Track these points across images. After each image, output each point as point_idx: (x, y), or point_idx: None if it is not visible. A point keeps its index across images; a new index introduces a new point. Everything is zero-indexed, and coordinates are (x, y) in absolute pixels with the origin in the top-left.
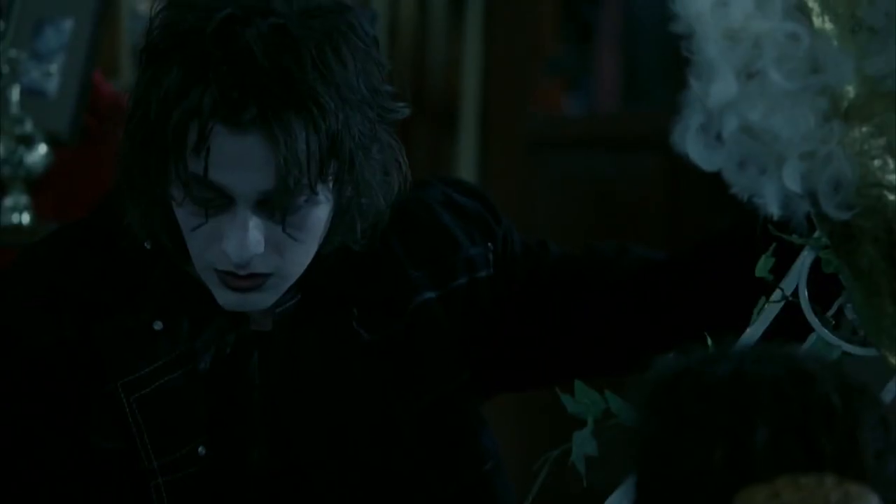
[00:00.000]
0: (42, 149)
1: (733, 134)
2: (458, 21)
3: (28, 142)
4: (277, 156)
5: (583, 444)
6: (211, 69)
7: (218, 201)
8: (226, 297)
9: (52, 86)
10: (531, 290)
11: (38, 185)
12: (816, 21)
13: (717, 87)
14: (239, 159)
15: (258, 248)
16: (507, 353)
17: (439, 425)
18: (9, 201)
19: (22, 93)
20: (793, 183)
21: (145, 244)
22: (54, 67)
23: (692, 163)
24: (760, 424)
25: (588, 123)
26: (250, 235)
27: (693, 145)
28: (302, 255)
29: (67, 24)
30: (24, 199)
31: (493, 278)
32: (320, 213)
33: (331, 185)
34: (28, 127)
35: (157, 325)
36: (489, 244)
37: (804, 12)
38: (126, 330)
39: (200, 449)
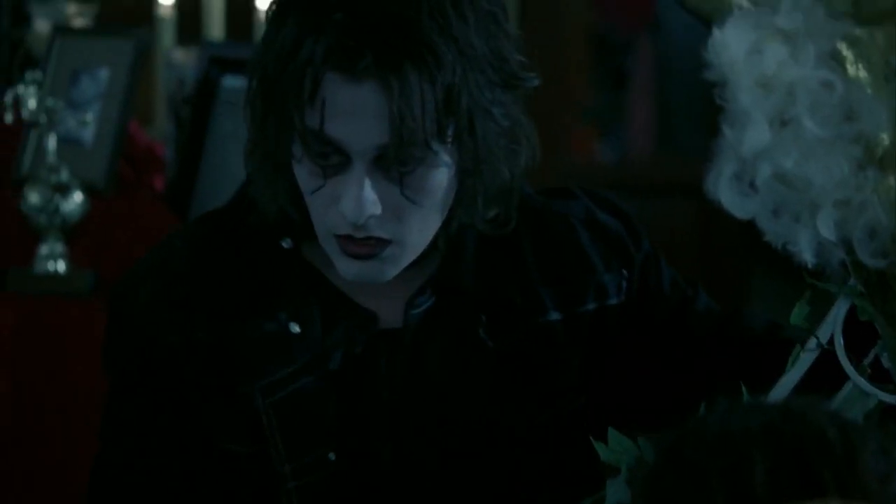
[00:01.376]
0: (78, 197)
1: (767, 181)
2: None
3: (64, 190)
4: (392, 105)
5: (616, 491)
6: (325, 19)
7: (335, 158)
8: (347, 266)
9: (88, 135)
10: (669, 331)
11: (73, 234)
12: (850, 69)
13: (750, 134)
14: (354, 109)
15: (375, 209)
16: (615, 384)
17: (554, 439)
18: (44, 249)
19: (58, 142)
20: (827, 231)
21: (282, 243)
22: (90, 116)
23: (725, 209)
24: (758, 462)
25: (621, 169)
26: (366, 194)
27: (726, 193)
28: (422, 222)
29: (104, 74)
30: (59, 248)
31: (623, 306)
32: (440, 176)
33: (449, 145)
34: (64, 176)
35: (294, 328)
36: (624, 271)
37: (838, 60)
38: (263, 332)
39: (331, 455)
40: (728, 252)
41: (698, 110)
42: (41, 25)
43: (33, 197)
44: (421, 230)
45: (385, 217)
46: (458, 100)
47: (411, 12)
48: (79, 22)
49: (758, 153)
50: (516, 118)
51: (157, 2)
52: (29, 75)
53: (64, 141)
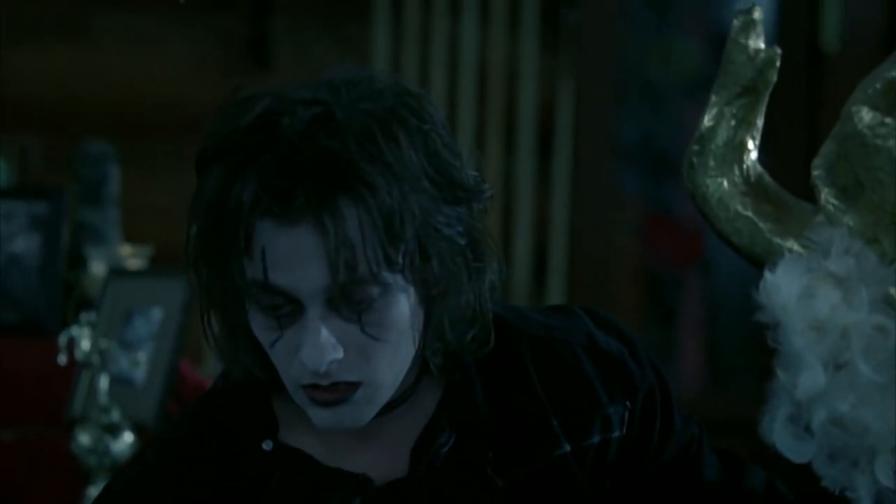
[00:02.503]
0: (128, 437)
1: (823, 426)
2: (540, 287)
3: (114, 430)
4: (328, 245)
5: None
6: (250, 162)
7: (287, 307)
8: (318, 416)
9: (140, 375)
10: (672, 469)
11: None
12: None
13: (804, 378)
14: (293, 254)
15: (335, 353)
16: None
17: None
18: (93, 490)
19: (110, 382)
20: (886, 477)
21: (263, 445)
22: (142, 356)
23: (779, 452)
24: None
25: None
26: (322, 341)
27: (781, 436)
28: (391, 357)
29: (156, 314)
30: None
31: (623, 439)
32: (400, 307)
33: (402, 273)
34: (115, 416)
35: (267, 446)
36: (627, 403)
37: (891, 305)
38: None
39: None
40: None
41: (748, 349)
42: (97, 268)
43: (84, 438)
44: (391, 365)
45: (350, 359)
46: (401, 225)
47: (337, 145)
48: (133, 263)
49: (812, 397)
50: (474, 234)
51: None
52: (84, 317)
53: (116, 381)
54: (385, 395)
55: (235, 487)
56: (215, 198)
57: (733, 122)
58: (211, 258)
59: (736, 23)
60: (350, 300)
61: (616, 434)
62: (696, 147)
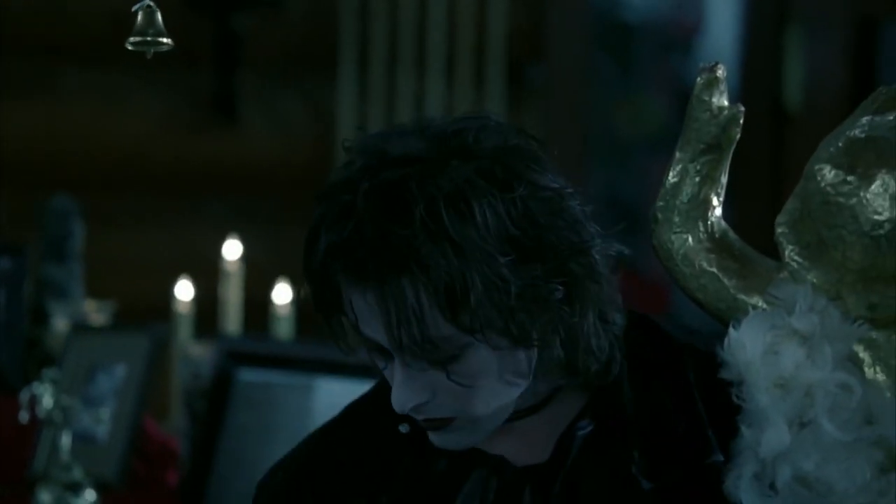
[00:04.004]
0: (90, 495)
1: (787, 484)
2: None
3: (76, 488)
4: (388, 315)
5: None
6: (328, 225)
7: (381, 349)
8: (432, 437)
9: (103, 431)
10: None
11: None
12: (868, 371)
13: (768, 435)
14: (368, 313)
15: (418, 398)
16: None
17: None
18: None
19: (73, 439)
20: None
21: (400, 427)
22: (105, 413)
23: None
24: None
25: None
26: (402, 386)
27: (747, 494)
28: (486, 397)
29: (120, 370)
30: None
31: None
32: (485, 358)
33: (480, 333)
34: (77, 474)
35: (404, 428)
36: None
37: (855, 363)
38: (367, 459)
39: None
40: None
41: None
42: (59, 323)
43: (45, 496)
44: (487, 404)
45: (442, 399)
46: (463, 296)
47: (399, 227)
48: (97, 318)
49: (777, 455)
50: (575, 284)
51: (175, 297)
52: (46, 373)
53: (78, 438)
54: (489, 424)
55: (374, 467)
56: (305, 245)
57: (697, 179)
58: (314, 295)
59: (699, 80)
60: (417, 357)
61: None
62: (661, 203)
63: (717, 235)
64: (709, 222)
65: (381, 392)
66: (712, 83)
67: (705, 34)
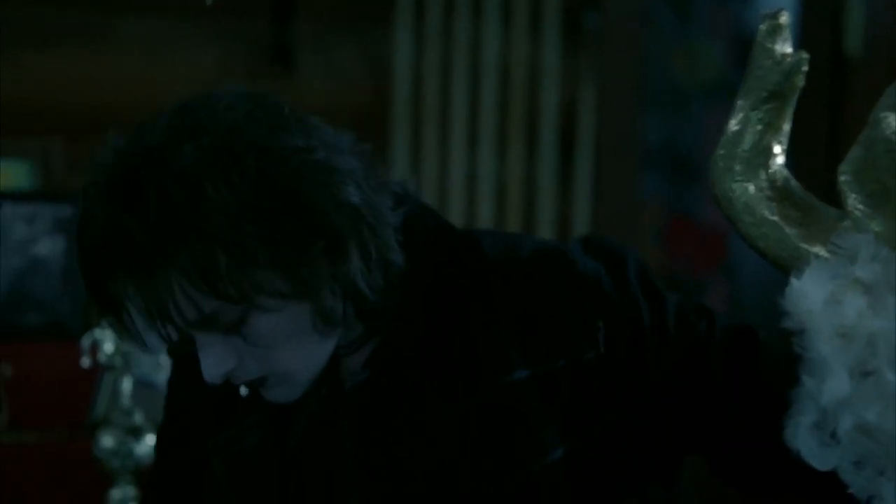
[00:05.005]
0: (151, 440)
1: (849, 433)
2: None
3: (137, 433)
4: (147, 313)
5: None
6: (78, 233)
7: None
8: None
9: (163, 377)
10: (679, 374)
11: (146, 477)
12: None
13: (830, 385)
14: (142, 306)
15: (224, 366)
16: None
17: (529, 497)
18: (116, 493)
19: (133, 384)
20: None
21: None
22: (165, 358)
23: (803, 457)
24: None
25: None
26: (206, 362)
27: (806, 443)
28: (290, 356)
29: None
30: (131, 491)
31: (602, 357)
32: (272, 321)
33: (244, 302)
34: (138, 419)
35: (243, 391)
36: (599, 323)
37: None
38: (216, 394)
39: None
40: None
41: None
42: None
43: (107, 441)
44: (297, 360)
45: (248, 364)
46: (216, 277)
47: (141, 224)
48: None
49: (838, 404)
50: (335, 236)
51: None
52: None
53: (138, 383)
54: (305, 377)
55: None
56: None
57: (760, 127)
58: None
59: (763, 27)
60: (208, 332)
61: (590, 354)
62: (721, 151)
63: (779, 184)
64: (771, 170)
65: None
66: (776, 30)
67: None
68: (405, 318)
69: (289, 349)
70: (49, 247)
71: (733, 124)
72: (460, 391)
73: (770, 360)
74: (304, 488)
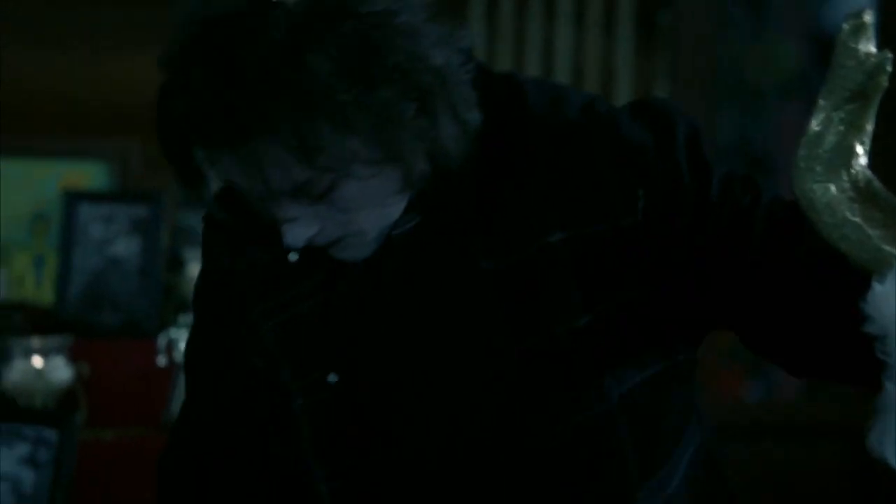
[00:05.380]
0: None
1: None
2: None
3: None
4: (249, 178)
5: None
6: (172, 96)
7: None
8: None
9: None
10: (717, 243)
11: None
12: None
13: None
14: (233, 173)
15: (308, 231)
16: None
17: (550, 362)
18: None
19: None
20: None
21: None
22: None
23: (890, 465)
24: None
25: (768, 411)
26: (290, 229)
27: (892, 450)
28: (368, 219)
29: None
30: None
31: (640, 225)
32: (359, 184)
33: (338, 171)
34: None
35: (292, 257)
36: (640, 191)
37: None
38: (262, 262)
39: (331, 377)
40: (884, 498)
41: None
42: (196, 270)
43: None
44: (374, 224)
45: (328, 228)
46: (315, 144)
47: (236, 94)
48: None
49: None
50: (426, 97)
51: None
52: (182, 319)
53: None
54: (379, 234)
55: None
56: (157, 117)
57: (842, 127)
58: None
59: (846, 27)
60: (296, 202)
61: (627, 222)
62: (803, 152)
63: (861, 185)
64: (853, 171)
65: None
66: (860, 29)
67: None
68: (457, 171)
69: (372, 211)
70: (126, 247)
71: (815, 124)
72: (500, 250)
73: (816, 239)
74: (349, 345)
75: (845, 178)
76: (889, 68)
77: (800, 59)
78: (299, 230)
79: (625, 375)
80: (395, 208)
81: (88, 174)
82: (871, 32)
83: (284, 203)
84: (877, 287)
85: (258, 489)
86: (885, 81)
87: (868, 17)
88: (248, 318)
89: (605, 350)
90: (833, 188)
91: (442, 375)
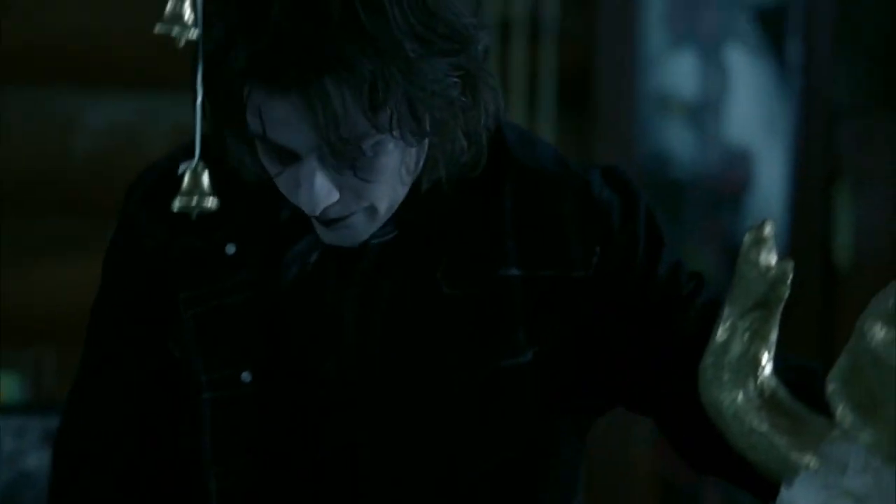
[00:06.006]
0: None
1: None
2: None
3: None
4: (315, 116)
5: None
6: (243, 35)
7: (286, 155)
8: (323, 233)
9: None
10: (650, 319)
11: None
12: None
13: None
14: (285, 118)
15: (330, 197)
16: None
17: (490, 396)
18: None
19: None
20: None
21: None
22: None
23: None
24: None
25: None
26: (317, 189)
27: None
28: (385, 191)
29: None
30: None
31: (589, 280)
32: (392, 156)
33: (391, 132)
34: None
35: (230, 249)
36: (597, 248)
37: None
38: (196, 248)
39: (245, 375)
40: None
41: None
42: None
43: None
44: (387, 195)
45: (345, 198)
46: (384, 94)
47: (317, 25)
48: None
49: None
50: (468, 78)
51: None
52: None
53: None
54: (380, 219)
55: (225, 199)
56: (215, 52)
57: (747, 336)
58: (213, 102)
59: (747, 238)
60: (338, 160)
61: (578, 274)
62: (709, 360)
63: (767, 393)
64: (759, 380)
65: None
66: (760, 241)
67: (754, 190)
68: (430, 194)
69: (388, 185)
70: (38, 460)
71: (720, 333)
72: (462, 277)
73: None
74: (281, 346)
75: (752, 386)
76: (790, 279)
77: (715, 270)
78: (323, 194)
79: (556, 417)
80: (404, 189)
81: (1, 386)
82: (772, 244)
83: (315, 163)
84: (784, 493)
85: (152, 478)
86: (786, 292)
87: (769, 230)
88: (172, 302)
89: (545, 390)
90: (740, 397)
91: (378, 393)
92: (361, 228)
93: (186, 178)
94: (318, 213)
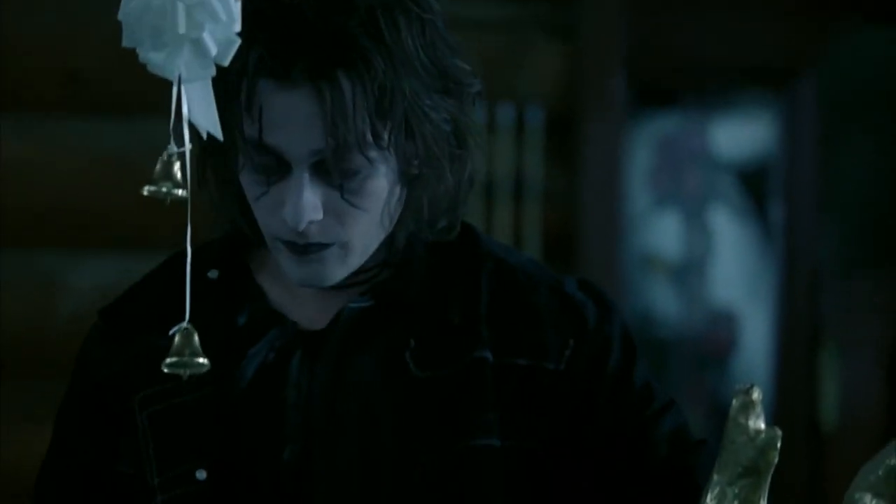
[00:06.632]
0: None
1: None
2: None
3: None
4: (325, 110)
5: None
6: (260, 27)
7: (276, 167)
8: (293, 270)
9: None
10: (616, 428)
11: None
12: None
13: None
14: (289, 115)
15: (315, 214)
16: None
17: (460, 476)
18: None
19: None
20: None
21: (208, 274)
22: None
23: None
24: None
25: None
26: (305, 200)
27: None
28: (366, 226)
29: None
30: None
31: (563, 375)
32: (381, 181)
33: (388, 151)
34: None
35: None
36: (570, 341)
37: None
38: (154, 346)
39: (199, 472)
40: None
41: None
42: None
43: None
44: (365, 234)
45: (327, 222)
46: (391, 102)
47: (342, 20)
48: None
49: None
50: (460, 124)
51: None
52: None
53: None
54: (355, 260)
55: (169, 305)
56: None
57: (736, 502)
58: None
59: (735, 403)
60: (336, 167)
61: (550, 366)
62: None
63: None
64: None
65: (205, 247)
66: (748, 406)
67: (739, 351)
68: (406, 267)
69: (371, 220)
70: None
71: (709, 499)
72: (432, 360)
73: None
74: (240, 441)
75: None
76: (779, 445)
77: (702, 431)
78: (307, 207)
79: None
80: (381, 234)
81: None
82: (759, 408)
83: (305, 175)
84: None
85: None
86: (775, 457)
87: (756, 395)
88: (127, 411)
89: (516, 480)
90: None
91: (342, 477)
92: (333, 267)
93: (177, 339)
94: (301, 227)
